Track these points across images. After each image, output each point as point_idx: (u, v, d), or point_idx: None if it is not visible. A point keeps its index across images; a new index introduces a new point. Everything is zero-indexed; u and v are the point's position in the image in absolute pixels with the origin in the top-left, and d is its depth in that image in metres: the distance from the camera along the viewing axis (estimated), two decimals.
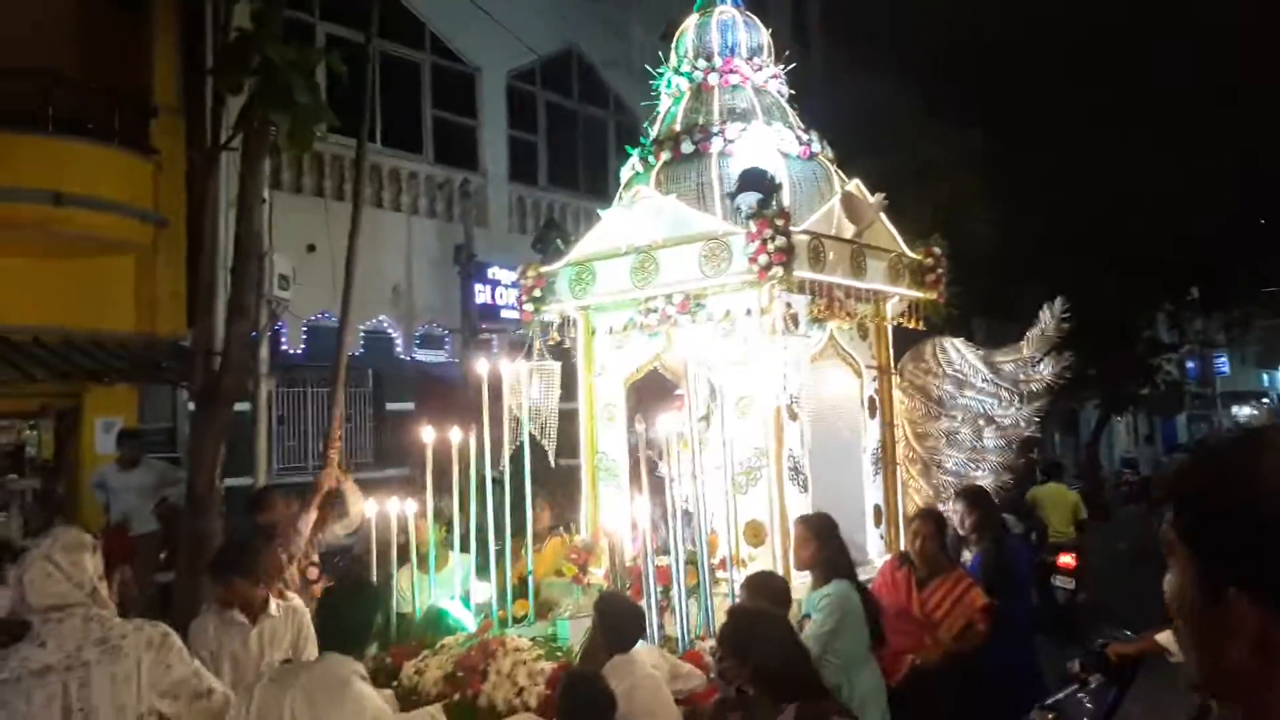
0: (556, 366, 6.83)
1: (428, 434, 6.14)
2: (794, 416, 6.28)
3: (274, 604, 4.68)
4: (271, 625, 4.66)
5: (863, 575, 6.60)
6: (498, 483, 6.37)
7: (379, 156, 16.18)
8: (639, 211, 6.43)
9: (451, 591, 6.16)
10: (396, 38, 15.47)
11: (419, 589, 6.09)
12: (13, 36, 11.93)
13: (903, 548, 7.09)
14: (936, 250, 7.18)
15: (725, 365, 6.38)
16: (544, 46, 17.63)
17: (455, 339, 15.86)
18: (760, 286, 6.10)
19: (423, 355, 15.83)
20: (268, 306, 14.56)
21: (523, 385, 6.66)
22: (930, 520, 6.06)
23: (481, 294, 15.28)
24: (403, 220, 15.61)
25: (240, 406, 15.05)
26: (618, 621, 4.58)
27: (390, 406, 15.62)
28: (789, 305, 6.29)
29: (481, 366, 6.29)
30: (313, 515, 6.93)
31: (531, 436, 6.77)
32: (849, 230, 6.64)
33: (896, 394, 7.17)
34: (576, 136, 18.45)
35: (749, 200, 6.13)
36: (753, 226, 6.01)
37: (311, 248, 15.59)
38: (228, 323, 15.01)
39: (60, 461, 13.60)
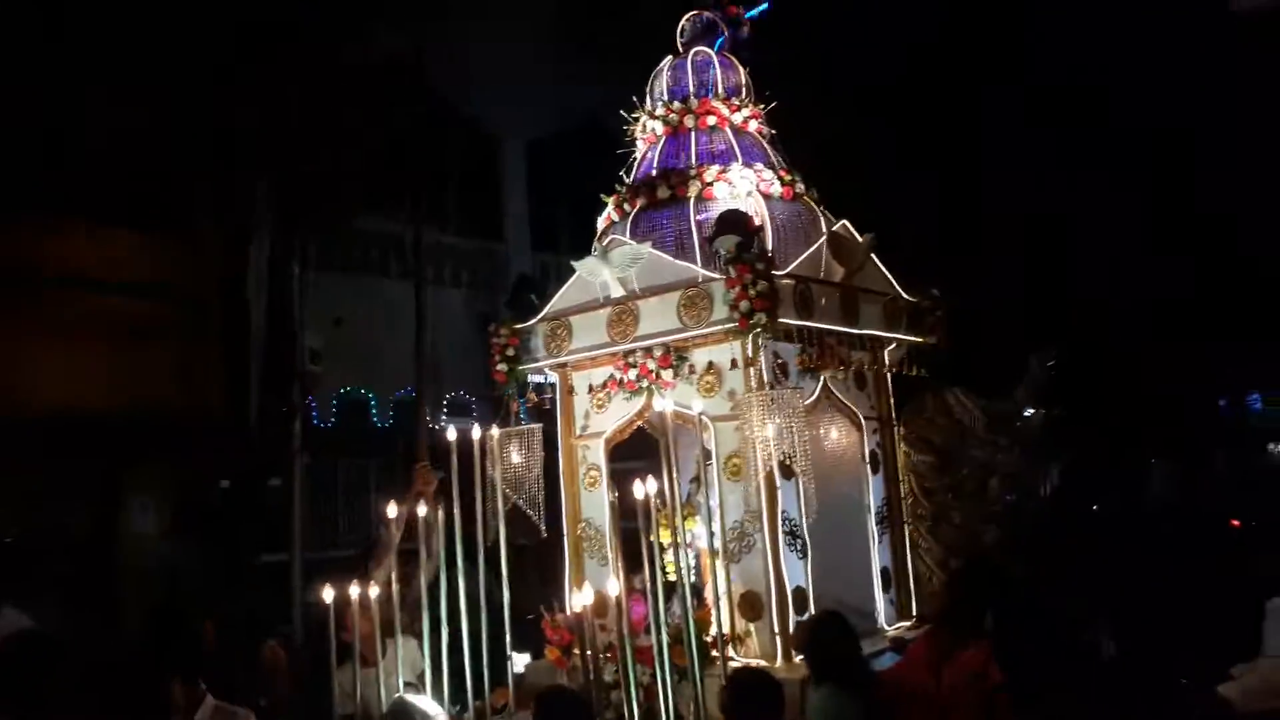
0: (538, 429, 6.05)
1: (391, 509, 5.41)
2: (788, 475, 5.46)
3: None
4: None
5: (873, 646, 5.77)
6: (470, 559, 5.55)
7: (405, 229, 15.91)
8: (614, 261, 5.71)
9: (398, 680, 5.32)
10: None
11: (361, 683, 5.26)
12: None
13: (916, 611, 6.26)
14: (935, 292, 6.38)
15: (711, 422, 5.60)
16: (564, 117, 17.21)
17: (483, 406, 15.27)
18: (744, 335, 5.34)
19: (451, 424, 15.27)
20: (299, 381, 14.11)
21: (499, 452, 5.88)
22: (952, 574, 5.14)
23: None
24: (429, 291, 15.11)
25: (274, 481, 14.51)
26: None
27: None
28: (775, 355, 5.51)
29: (451, 433, 5.52)
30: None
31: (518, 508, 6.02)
32: (839, 273, 5.87)
33: (900, 446, 6.33)
34: (598, 201, 17.94)
35: (727, 243, 5.39)
36: (732, 272, 5.27)
37: (338, 321, 15.24)
38: (260, 399, 14.59)
39: (100, 541, 13.05)
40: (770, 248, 5.75)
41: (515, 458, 5.96)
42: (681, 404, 5.66)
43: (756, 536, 5.48)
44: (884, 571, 6.14)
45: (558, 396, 6.22)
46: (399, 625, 5.33)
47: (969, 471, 6.23)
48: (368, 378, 15.91)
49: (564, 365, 6.15)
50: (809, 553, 5.60)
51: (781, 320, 5.35)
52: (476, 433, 5.65)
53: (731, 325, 5.33)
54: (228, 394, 13.54)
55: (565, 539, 6.12)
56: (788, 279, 5.47)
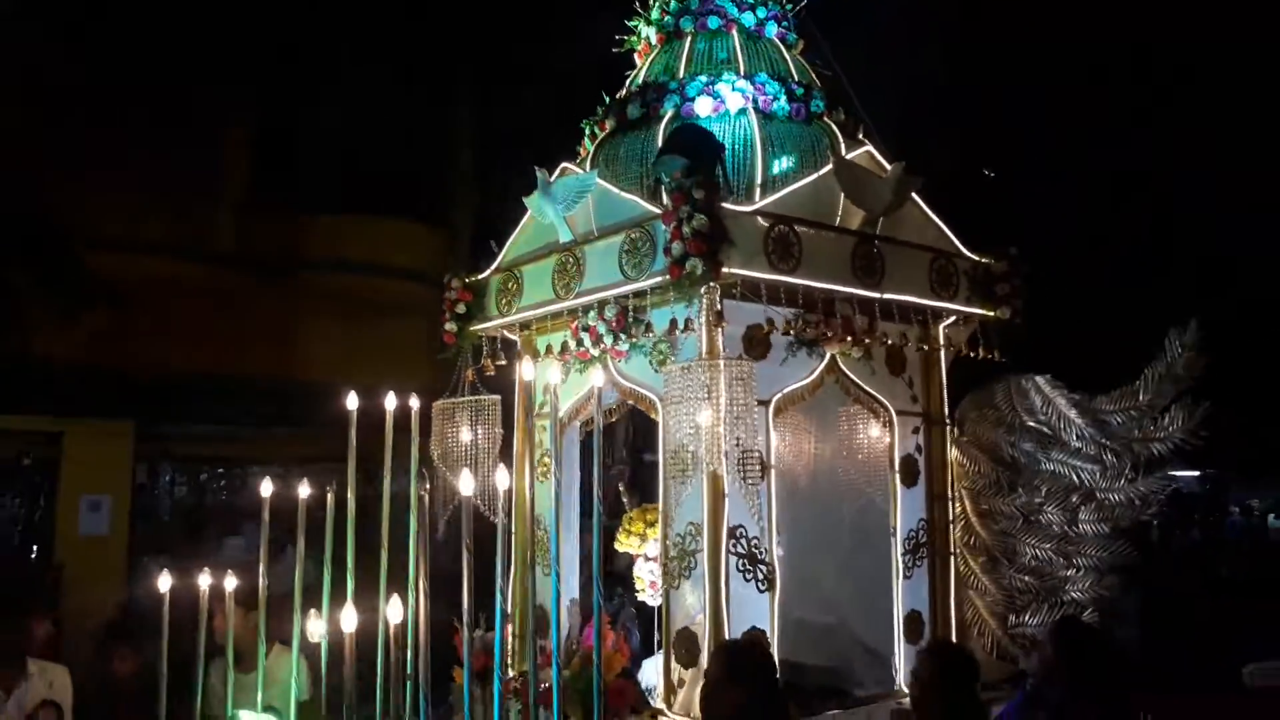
0: (495, 401, 4.85)
1: (266, 487, 4.23)
2: (749, 479, 4.00)
3: None
4: None
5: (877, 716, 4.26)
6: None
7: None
8: (557, 195, 4.47)
9: (268, 694, 4.19)
10: None
11: (235, 688, 4.15)
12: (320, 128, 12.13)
13: None
14: (1012, 250, 4.61)
15: (661, 404, 4.26)
16: None
17: None
18: (679, 289, 3.96)
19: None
20: None
21: (446, 429, 4.77)
22: (929, 659, 3.56)
23: None
24: None
25: None
26: None
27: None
28: (719, 319, 4.03)
29: (391, 401, 4.22)
30: None
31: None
32: (856, 217, 4.30)
33: (953, 453, 4.63)
34: None
35: (671, 168, 4.03)
36: (669, 203, 3.92)
37: None
38: None
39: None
40: (759, 181, 4.33)
41: (465, 436, 4.80)
42: (632, 379, 4.41)
43: (699, 558, 4.08)
44: (911, 616, 4.49)
45: (517, 364, 5.03)
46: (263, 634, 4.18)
47: (1049, 492, 4.45)
48: None
49: (525, 327, 4.97)
50: (776, 584, 4.12)
51: (736, 271, 3.93)
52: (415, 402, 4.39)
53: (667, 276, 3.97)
54: None
55: (510, 538, 4.89)
56: (759, 217, 4.02)
